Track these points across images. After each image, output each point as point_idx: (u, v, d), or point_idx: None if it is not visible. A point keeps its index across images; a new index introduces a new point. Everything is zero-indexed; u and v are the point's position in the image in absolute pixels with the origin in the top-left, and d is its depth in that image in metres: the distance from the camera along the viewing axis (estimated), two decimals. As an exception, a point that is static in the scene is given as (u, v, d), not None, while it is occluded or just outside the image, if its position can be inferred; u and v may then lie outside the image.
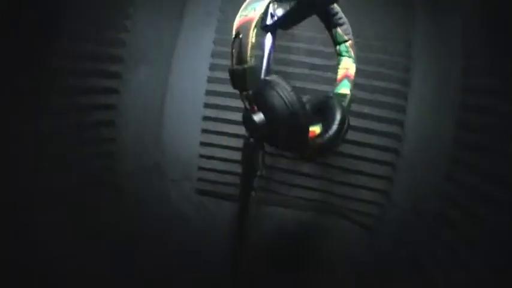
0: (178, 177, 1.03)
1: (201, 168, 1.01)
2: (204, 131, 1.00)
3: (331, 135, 0.59)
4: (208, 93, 0.99)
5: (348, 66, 0.66)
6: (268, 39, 0.61)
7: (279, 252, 0.95)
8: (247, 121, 0.53)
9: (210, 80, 0.99)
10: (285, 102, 0.50)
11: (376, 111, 0.91)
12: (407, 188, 0.91)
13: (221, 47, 0.99)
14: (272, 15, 0.60)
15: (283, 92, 0.50)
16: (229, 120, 0.98)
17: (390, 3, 0.92)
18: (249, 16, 0.49)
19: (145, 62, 0.96)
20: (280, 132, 0.53)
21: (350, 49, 0.65)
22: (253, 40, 0.48)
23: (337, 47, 0.66)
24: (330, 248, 0.95)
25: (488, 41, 0.78)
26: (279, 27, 0.62)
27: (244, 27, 0.49)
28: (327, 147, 0.61)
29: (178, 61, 1.01)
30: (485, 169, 0.75)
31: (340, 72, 0.67)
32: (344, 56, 0.66)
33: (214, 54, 0.99)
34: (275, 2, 0.59)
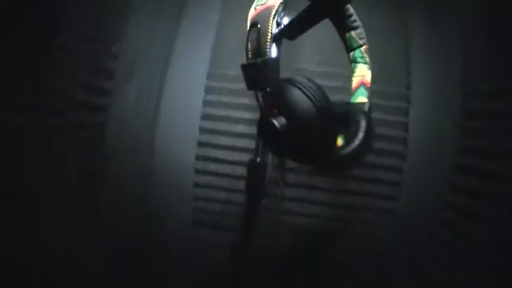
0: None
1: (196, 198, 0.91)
2: (199, 157, 0.90)
3: (358, 144, 0.51)
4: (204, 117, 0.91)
5: (363, 73, 0.61)
6: (274, 50, 0.56)
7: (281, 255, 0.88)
8: (265, 127, 0.45)
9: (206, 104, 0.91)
10: (312, 100, 0.43)
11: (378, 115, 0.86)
12: (410, 192, 0.87)
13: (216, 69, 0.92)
14: (278, 24, 0.55)
15: (309, 90, 0.43)
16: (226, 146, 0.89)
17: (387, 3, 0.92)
18: (268, 3, 0.43)
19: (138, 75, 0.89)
20: (305, 138, 0.45)
21: (365, 54, 0.61)
22: (273, 30, 0.42)
23: (351, 53, 0.61)
24: (331, 250, 0.89)
25: (488, 41, 0.78)
26: (286, 36, 0.57)
27: (263, 16, 0.43)
28: (354, 158, 0.53)
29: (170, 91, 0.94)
30: (487, 170, 0.73)
31: (355, 80, 0.61)
32: (359, 62, 0.61)
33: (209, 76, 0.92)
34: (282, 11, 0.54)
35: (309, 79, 0.46)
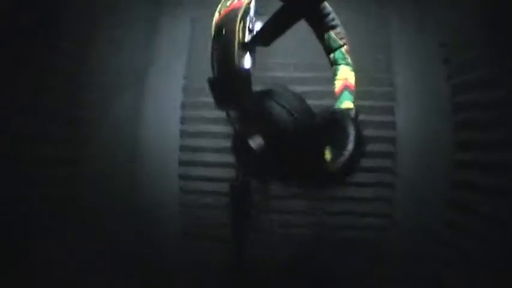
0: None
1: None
2: (182, 176, 0.84)
3: (348, 156, 0.46)
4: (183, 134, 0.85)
5: (346, 75, 0.56)
6: (247, 60, 0.49)
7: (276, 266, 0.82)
8: (241, 149, 0.39)
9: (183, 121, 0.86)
10: (291, 114, 0.37)
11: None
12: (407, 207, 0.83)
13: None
14: (250, 31, 0.49)
15: (286, 101, 0.38)
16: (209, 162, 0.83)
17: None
18: (233, 4, 0.37)
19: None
20: (288, 157, 0.39)
21: (347, 55, 0.55)
22: (242, 35, 0.36)
23: (331, 54, 0.56)
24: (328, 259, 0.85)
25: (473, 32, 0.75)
26: (259, 43, 0.51)
27: (228, 20, 0.37)
28: (345, 171, 0.47)
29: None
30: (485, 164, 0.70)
31: (338, 84, 0.56)
32: (340, 63, 0.56)
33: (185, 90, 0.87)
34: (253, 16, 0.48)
35: (284, 88, 0.41)
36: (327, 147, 0.48)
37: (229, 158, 0.80)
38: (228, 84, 0.36)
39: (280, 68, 0.83)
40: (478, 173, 0.73)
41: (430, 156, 0.83)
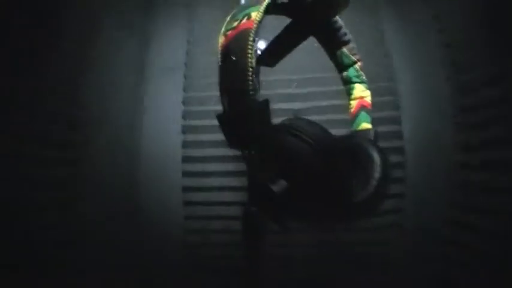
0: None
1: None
2: (187, 203, 0.78)
3: (376, 183, 0.41)
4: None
5: (362, 94, 0.51)
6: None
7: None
8: (262, 194, 0.33)
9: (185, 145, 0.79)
10: (311, 145, 0.32)
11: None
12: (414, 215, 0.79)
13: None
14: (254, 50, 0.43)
15: (303, 131, 0.32)
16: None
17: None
18: (242, 25, 0.32)
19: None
20: (313, 199, 0.34)
21: (360, 72, 0.51)
22: (253, 61, 0.31)
23: (344, 73, 0.51)
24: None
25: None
26: (264, 63, 0.46)
27: (238, 44, 0.31)
28: (371, 205, 0.42)
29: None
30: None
31: (354, 104, 0.51)
32: (355, 82, 0.51)
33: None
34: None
35: (300, 118, 0.35)
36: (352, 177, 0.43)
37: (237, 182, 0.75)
38: (244, 121, 0.30)
39: (283, 84, 0.78)
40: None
41: (430, 157, 0.80)
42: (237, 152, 0.33)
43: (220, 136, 0.34)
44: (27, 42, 0.60)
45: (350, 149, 0.45)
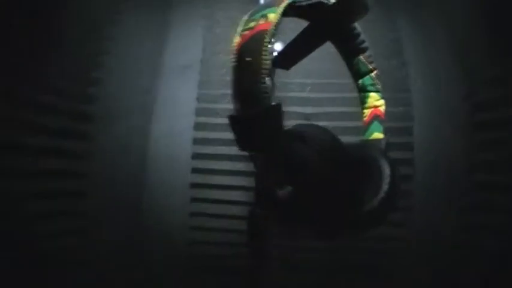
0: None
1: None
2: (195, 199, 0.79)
3: (385, 196, 0.40)
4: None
5: (376, 103, 0.50)
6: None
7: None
8: (267, 197, 0.33)
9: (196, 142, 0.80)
10: (320, 152, 0.32)
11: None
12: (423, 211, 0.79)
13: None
14: (270, 52, 0.43)
15: (313, 138, 0.32)
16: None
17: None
18: (259, 26, 0.31)
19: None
20: (317, 201, 0.34)
21: (376, 81, 0.50)
22: (268, 63, 0.31)
23: (360, 80, 0.50)
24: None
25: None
26: (280, 65, 0.45)
27: (253, 44, 0.31)
28: (378, 216, 0.41)
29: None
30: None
31: (368, 112, 0.50)
32: (370, 90, 0.50)
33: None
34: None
35: (311, 125, 0.35)
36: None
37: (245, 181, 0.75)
38: (255, 123, 0.30)
39: (295, 87, 0.78)
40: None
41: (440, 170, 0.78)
42: (247, 153, 0.33)
43: (231, 135, 0.33)
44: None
45: (359, 159, 0.44)
